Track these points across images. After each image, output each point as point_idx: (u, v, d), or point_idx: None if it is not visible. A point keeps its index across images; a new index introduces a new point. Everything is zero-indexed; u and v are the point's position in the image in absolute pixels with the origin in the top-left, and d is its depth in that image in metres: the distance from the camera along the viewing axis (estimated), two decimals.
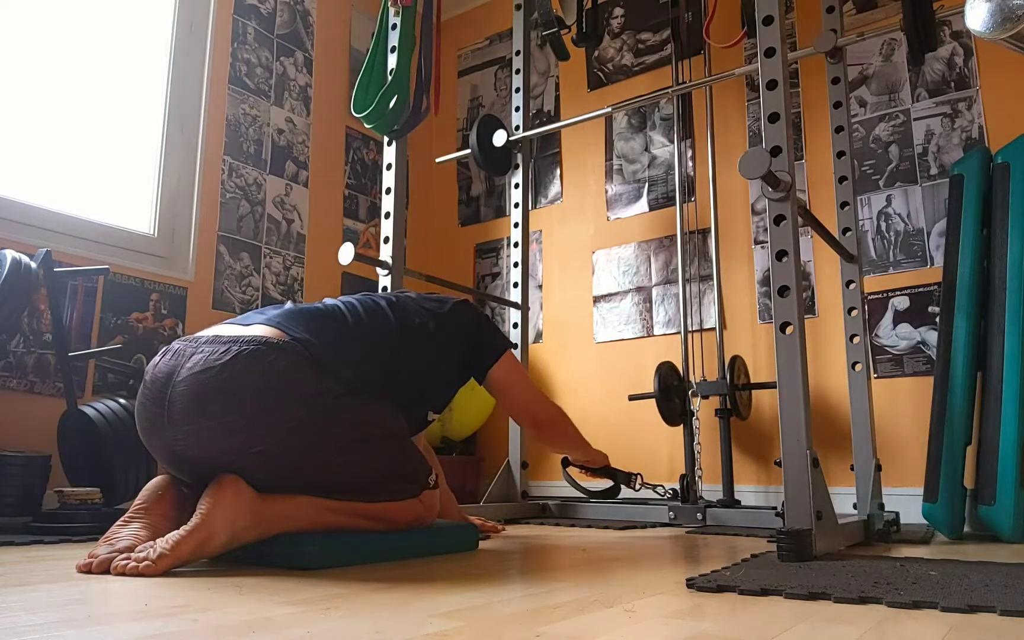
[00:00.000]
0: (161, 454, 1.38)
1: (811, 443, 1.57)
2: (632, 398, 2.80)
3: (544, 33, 2.80)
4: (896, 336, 2.56)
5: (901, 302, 2.56)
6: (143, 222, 2.76)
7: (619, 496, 2.09)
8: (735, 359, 2.67)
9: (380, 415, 1.46)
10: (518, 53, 3.10)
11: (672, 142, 3.19)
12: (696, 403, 2.79)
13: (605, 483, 2.03)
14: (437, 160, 3.25)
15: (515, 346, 1.98)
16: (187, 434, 1.31)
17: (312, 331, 1.43)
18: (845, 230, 2.25)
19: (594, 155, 3.43)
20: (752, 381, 2.75)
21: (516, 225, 2.98)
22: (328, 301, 1.58)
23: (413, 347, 1.58)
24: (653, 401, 3.00)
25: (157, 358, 1.39)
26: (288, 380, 1.33)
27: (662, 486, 2.21)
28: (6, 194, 2.37)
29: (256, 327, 1.40)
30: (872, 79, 2.73)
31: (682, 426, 2.72)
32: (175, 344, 1.39)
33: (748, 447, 2.81)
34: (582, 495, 2.11)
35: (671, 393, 2.68)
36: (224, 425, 1.29)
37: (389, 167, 2.50)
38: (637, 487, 2.03)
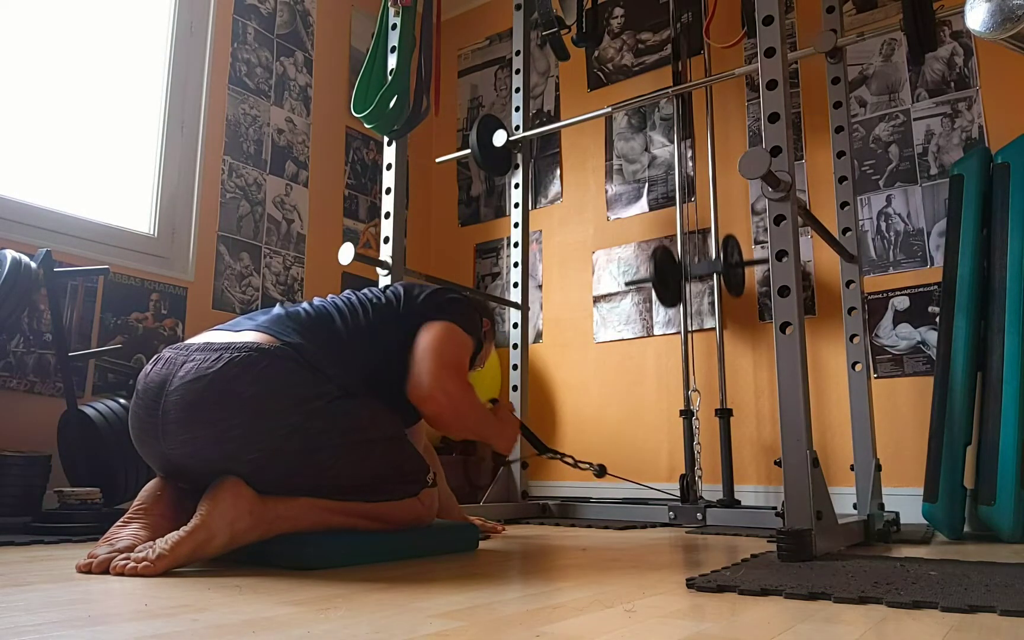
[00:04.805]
0: (156, 463, 1.37)
1: (811, 443, 1.57)
2: (629, 284, 2.93)
3: (544, 33, 2.80)
4: (896, 336, 2.56)
5: (901, 302, 2.56)
6: (143, 222, 2.76)
7: (615, 494, 2.06)
8: (728, 238, 2.78)
9: (377, 417, 1.45)
10: (518, 53, 3.10)
11: (672, 142, 3.19)
12: (696, 401, 2.79)
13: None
14: (437, 160, 3.25)
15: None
16: (182, 443, 1.30)
17: (304, 335, 1.43)
18: (845, 230, 2.25)
19: (594, 155, 3.42)
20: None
21: (516, 225, 2.98)
22: (317, 301, 1.57)
23: (400, 341, 1.56)
24: (653, 400, 3.00)
25: (148, 367, 1.38)
26: (283, 385, 1.32)
27: (588, 463, 2.02)
28: (6, 194, 2.36)
29: (247, 333, 1.39)
30: (872, 79, 2.72)
31: (682, 342, 2.77)
32: (166, 352, 1.38)
33: (748, 442, 2.81)
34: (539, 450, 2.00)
35: (667, 276, 2.81)
36: (219, 432, 1.29)
37: (389, 167, 2.50)
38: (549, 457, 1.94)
